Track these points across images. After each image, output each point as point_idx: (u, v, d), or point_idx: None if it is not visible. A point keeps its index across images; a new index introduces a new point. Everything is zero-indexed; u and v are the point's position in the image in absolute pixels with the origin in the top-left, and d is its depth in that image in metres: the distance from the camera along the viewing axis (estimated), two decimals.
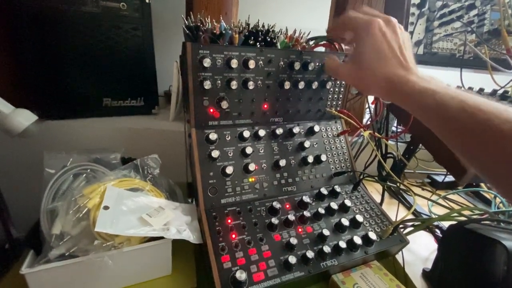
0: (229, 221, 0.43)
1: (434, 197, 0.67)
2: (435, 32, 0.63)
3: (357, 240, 0.44)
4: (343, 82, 0.57)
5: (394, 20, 0.38)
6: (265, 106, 0.51)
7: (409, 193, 0.60)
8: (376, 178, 0.58)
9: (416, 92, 0.34)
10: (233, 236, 0.41)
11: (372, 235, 0.45)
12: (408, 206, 0.68)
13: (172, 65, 0.75)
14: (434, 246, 0.55)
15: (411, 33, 0.60)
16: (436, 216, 0.58)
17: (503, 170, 0.28)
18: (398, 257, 0.50)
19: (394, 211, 0.58)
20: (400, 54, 0.37)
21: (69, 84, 0.74)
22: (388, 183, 0.64)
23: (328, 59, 0.46)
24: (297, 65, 0.50)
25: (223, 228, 0.42)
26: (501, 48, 0.63)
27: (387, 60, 0.36)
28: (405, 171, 0.79)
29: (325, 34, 0.54)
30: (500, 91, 0.69)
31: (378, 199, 0.62)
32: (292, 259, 0.39)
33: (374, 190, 0.76)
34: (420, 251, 0.54)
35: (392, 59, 0.36)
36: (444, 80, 0.70)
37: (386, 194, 0.69)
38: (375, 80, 0.37)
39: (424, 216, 0.63)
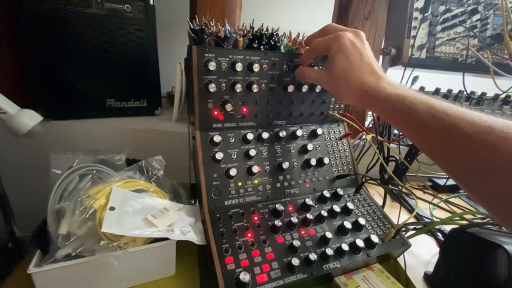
0: (233, 223, 0.43)
1: (435, 200, 0.67)
2: (437, 36, 0.63)
3: (360, 243, 0.44)
4: None
5: (362, 32, 0.41)
6: (269, 108, 0.52)
7: (411, 197, 0.60)
8: (379, 181, 0.58)
9: (388, 97, 0.36)
10: (237, 238, 0.42)
11: (375, 238, 0.45)
12: (410, 209, 0.69)
13: (175, 67, 0.75)
14: (436, 249, 0.55)
15: (414, 37, 0.61)
16: (438, 220, 0.58)
17: (473, 175, 0.29)
18: (400, 260, 0.50)
19: (396, 214, 0.58)
20: (370, 62, 0.39)
21: (73, 85, 0.75)
22: (390, 186, 0.65)
23: (307, 69, 0.47)
24: None
25: (227, 230, 0.42)
26: (503, 53, 0.63)
27: (359, 67, 0.38)
28: (407, 174, 0.79)
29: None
30: (503, 96, 0.69)
31: (380, 202, 0.62)
32: (295, 261, 0.39)
33: (376, 193, 0.76)
34: (422, 254, 0.54)
35: (364, 66, 0.38)
36: (447, 84, 0.70)
37: (388, 197, 0.69)
38: (348, 86, 0.39)
39: (426, 220, 0.63)
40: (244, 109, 0.50)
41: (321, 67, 0.52)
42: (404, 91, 0.35)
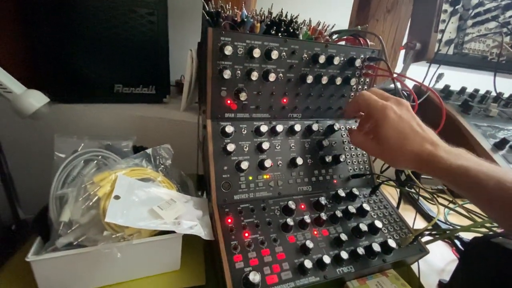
0: (242, 218, 0.41)
1: (450, 205, 0.64)
2: (467, 31, 0.59)
3: (376, 247, 0.41)
4: (367, 80, 0.54)
5: (405, 101, 0.41)
6: (285, 100, 0.49)
7: (432, 202, 0.57)
8: (396, 183, 0.56)
9: (448, 169, 0.35)
10: (246, 234, 0.39)
11: (392, 243, 0.42)
12: (423, 213, 0.66)
13: (185, 55, 0.72)
14: (451, 257, 0.53)
15: (442, 31, 0.57)
16: (455, 226, 0.55)
17: None
18: (413, 266, 0.48)
19: (407, 217, 0.55)
20: (421, 131, 0.39)
21: (81, 68, 0.73)
22: (407, 189, 0.62)
23: (355, 135, 0.45)
24: (321, 59, 0.47)
25: (236, 226, 0.40)
26: None
27: (411, 139, 0.38)
28: (422, 176, 0.76)
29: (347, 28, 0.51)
30: None
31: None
32: (308, 263, 0.37)
33: (388, 194, 0.73)
34: (436, 261, 0.52)
35: (416, 137, 0.38)
36: (474, 83, 0.66)
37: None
38: (404, 158, 0.39)
39: (442, 225, 0.60)
40: (285, 100, 0.49)
41: None
42: (465, 162, 0.34)
